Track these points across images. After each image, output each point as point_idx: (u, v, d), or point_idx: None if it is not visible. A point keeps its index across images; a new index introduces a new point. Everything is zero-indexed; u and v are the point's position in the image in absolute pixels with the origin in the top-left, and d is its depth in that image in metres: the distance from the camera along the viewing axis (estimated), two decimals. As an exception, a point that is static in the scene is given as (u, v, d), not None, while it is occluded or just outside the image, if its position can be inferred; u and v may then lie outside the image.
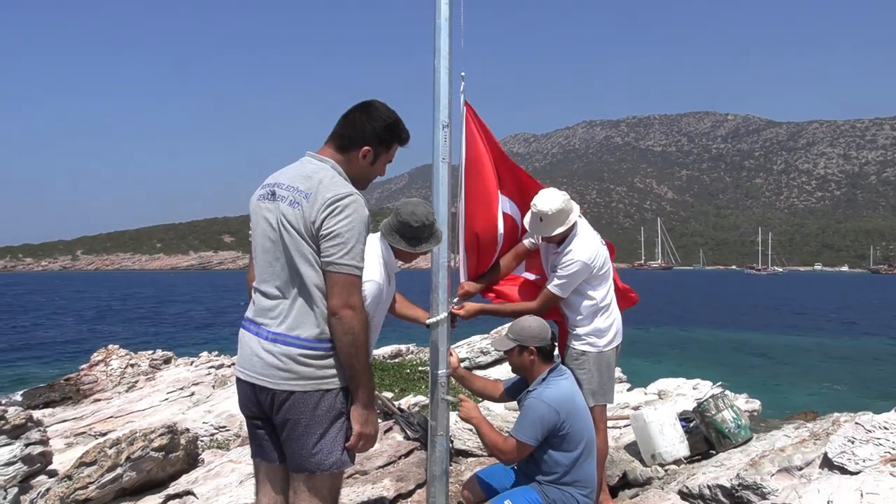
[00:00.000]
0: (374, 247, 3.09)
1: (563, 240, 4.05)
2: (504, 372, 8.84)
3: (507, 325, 10.16)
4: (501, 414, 5.96)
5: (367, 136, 2.65)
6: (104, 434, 7.41)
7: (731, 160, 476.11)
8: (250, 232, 2.76)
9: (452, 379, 3.64)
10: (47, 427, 6.50)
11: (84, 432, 7.87)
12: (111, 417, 8.38)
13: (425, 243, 3.19)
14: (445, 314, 3.46)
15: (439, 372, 3.43)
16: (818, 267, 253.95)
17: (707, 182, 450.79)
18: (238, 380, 2.69)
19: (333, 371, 2.54)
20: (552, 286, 4.01)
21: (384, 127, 2.68)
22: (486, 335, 10.32)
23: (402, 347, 11.35)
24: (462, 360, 8.88)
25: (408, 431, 5.62)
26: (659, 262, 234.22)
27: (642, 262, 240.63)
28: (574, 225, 4.02)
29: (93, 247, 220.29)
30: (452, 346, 3.59)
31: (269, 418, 2.63)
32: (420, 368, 9.13)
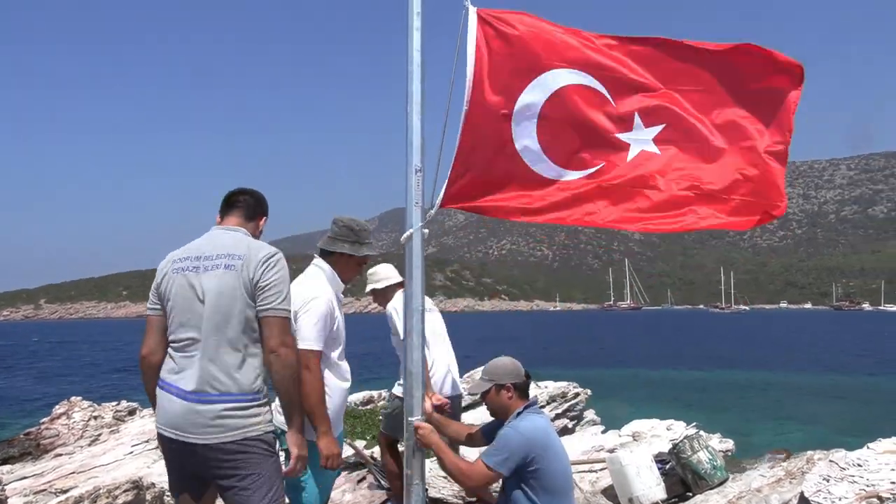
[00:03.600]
0: (316, 272, 3.47)
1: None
2: (478, 417, 8.75)
3: (477, 370, 10.15)
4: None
5: (264, 208, 3.19)
6: (66, 491, 7.11)
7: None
8: (157, 303, 2.94)
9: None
10: (6, 485, 6.24)
11: (44, 489, 7.54)
12: (73, 473, 8.06)
13: (366, 248, 3.54)
14: (416, 228, 3.20)
15: (413, 419, 3.38)
16: (783, 305, 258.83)
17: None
18: (167, 439, 2.79)
19: (260, 418, 2.78)
20: None
21: (265, 202, 3.23)
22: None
23: (375, 394, 11.17)
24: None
25: (381, 481, 5.51)
26: (628, 302, 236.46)
27: (611, 303, 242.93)
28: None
29: (57, 295, 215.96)
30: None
31: (198, 476, 2.80)
32: (393, 415, 8.98)
